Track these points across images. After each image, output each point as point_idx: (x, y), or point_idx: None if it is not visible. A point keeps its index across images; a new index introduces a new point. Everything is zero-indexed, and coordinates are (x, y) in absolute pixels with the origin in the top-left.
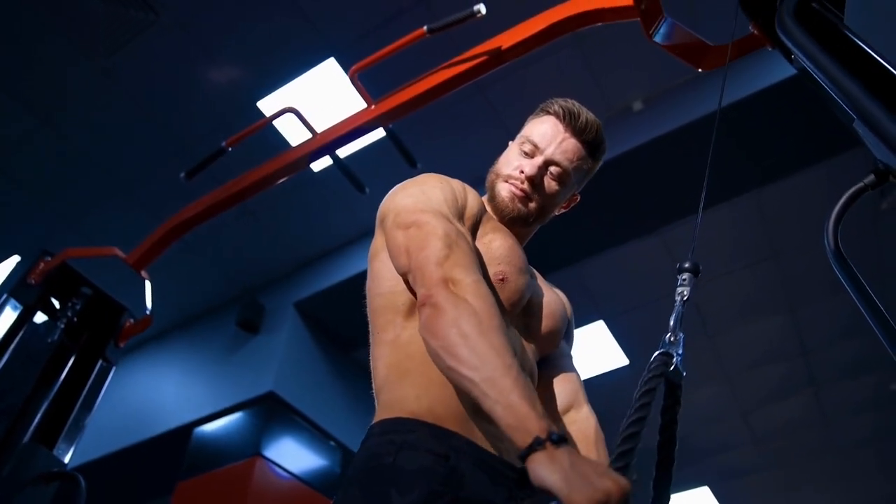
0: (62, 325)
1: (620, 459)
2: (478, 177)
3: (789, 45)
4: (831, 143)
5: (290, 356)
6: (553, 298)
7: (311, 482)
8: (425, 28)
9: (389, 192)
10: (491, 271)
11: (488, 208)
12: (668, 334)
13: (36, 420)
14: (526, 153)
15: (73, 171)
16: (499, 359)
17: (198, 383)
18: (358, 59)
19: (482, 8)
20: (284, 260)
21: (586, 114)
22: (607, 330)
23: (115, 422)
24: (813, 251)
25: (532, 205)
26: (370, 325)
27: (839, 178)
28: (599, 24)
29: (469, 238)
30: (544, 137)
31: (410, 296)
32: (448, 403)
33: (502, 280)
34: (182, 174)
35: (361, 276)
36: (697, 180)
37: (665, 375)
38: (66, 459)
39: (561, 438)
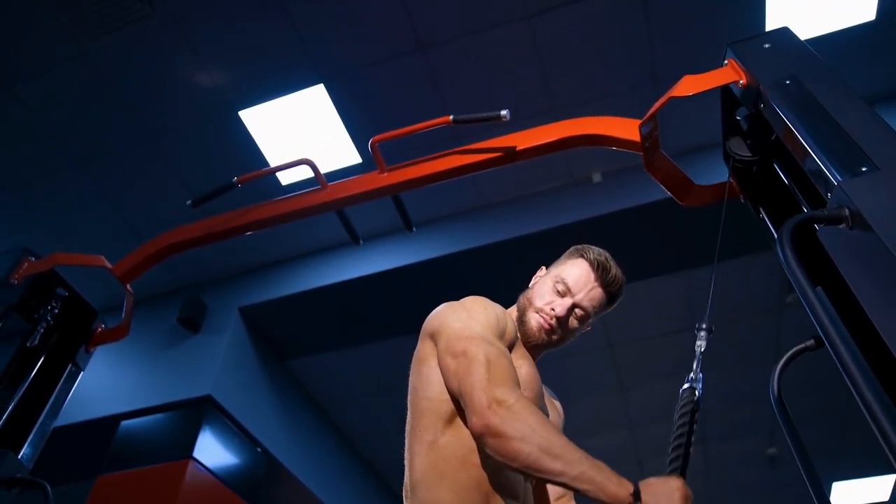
0: (42, 329)
1: (675, 461)
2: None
3: (783, 261)
4: (751, 243)
5: (229, 361)
6: (555, 414)
7: (234, 486)
8: (451, 118)
9: (438, 309)
10: None
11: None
12: (692, 373)
13: (1, 423)
14: (559, 292)
15: (31, 144)
16: (575, 453)
17: (129, 374)
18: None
19: (507, 114)
20: (234, 262)
21: (615, 270)
22: None
23: None
24: (725, 329)
25: (555, 337)
26: (410, 419)
27: (753, 272)
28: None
29: (508, 355)
30: (577, 282)
31: (453, 406)
32: None
33: None
34: (188, 202)
35: (311, 294)
36: (638, 253)
37: (693, 402)
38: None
39: (638, 492)
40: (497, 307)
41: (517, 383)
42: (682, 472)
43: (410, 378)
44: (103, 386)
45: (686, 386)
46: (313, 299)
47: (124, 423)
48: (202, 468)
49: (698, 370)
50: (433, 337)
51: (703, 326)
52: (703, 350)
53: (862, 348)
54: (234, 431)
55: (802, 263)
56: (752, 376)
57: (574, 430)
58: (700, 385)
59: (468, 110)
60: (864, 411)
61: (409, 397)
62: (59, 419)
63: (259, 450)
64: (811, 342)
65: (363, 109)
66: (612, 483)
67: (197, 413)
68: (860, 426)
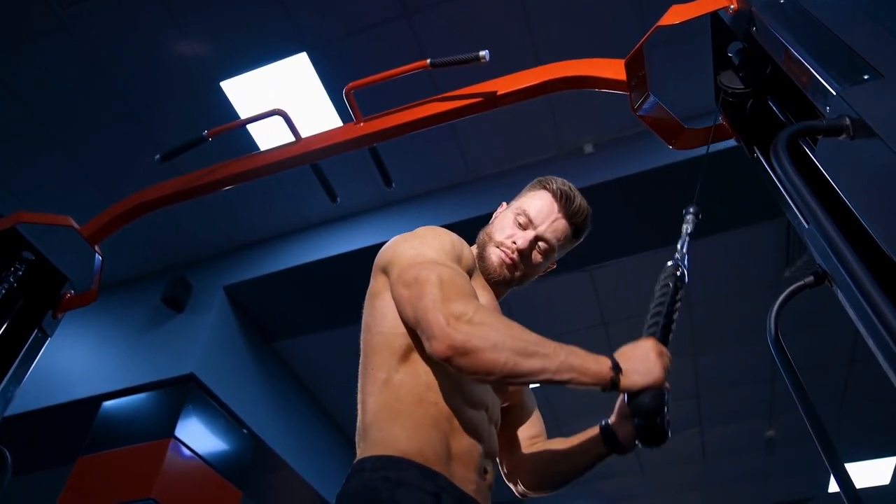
0: (4, 291)
1: (651, 328)
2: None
3: (779, 172)
4: (749, 214)
5: (213, 340)
6: None
7: (220, 468)
8: (428, 61)
9: (390, 242)
10: None
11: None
12: (676, 253)
13: None
14: (520, 224)
15: (8, 122)
16: (550, 345)
17: (111, 354)
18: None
19: (486, 55)
20: (219, 240)
21: (580, 199)
22: None
23: None
24: (720, 308)
25: (517, 273)
26: (363, 359)
27: (752, 246)
28: (589, 89)
29: (464, 274)
30: (539, 214)
31: (409, 340)
32: (434, 446)
33: None
34: (157, 157)
35: (297, 270)
36: (631, 226)
37: (675, 276)
38: None
39: (616, 362)
40: (452, 234)
41: (474, 296)
42: (662, 340)
43: (363, 316)
44: (86, 367)
45: (670, 263)
46: (299, 276)
47: (106, 403)
48: (184, 447)
49: (683, 249)
50: (385, 270)
51: (691, 210)
52: (689, 231)
53: None
54: (218, 411)
55: (801, 171)
56: (750, 356)
57: (564, 413)
58: (685, 262)
59: (455, 76)
60: (882, 331)
61: (361, 336)
62: (41, 401)
63: (244, 431)
64: (810, 279)
65: (347, 78)
66: (591, 364)
67: (180, 392)
68: (858, 408)
